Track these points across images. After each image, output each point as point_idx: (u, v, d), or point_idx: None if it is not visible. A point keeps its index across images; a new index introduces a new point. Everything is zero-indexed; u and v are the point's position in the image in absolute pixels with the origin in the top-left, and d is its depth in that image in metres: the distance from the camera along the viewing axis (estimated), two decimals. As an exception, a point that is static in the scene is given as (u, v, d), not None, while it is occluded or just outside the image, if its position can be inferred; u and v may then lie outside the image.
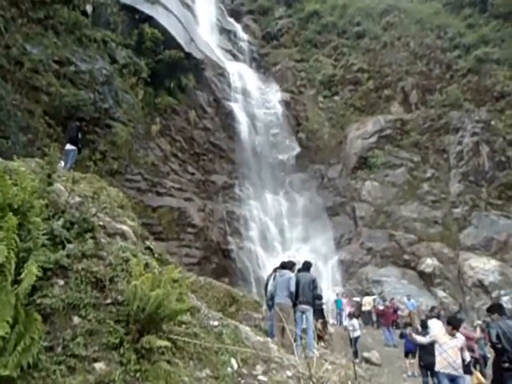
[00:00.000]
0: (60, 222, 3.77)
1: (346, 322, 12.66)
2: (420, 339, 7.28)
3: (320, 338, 11.12)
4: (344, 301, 19.04)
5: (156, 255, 6.18)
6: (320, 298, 13.23)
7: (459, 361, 6.08)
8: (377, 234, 24.58)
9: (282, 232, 25.85)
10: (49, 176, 4.06)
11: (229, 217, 24.22)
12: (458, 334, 6.52)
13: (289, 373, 4.22)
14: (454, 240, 23.92)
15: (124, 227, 4.90)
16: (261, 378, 3.79)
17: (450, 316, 6.53)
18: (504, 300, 18.43)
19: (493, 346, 6.11)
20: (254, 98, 29.80)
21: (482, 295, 20.43)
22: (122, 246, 4.09)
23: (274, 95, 31.12)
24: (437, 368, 6.25)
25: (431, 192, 26.21)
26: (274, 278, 8.55)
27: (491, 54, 32.07)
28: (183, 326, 3.70)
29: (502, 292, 19.65)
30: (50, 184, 4.05)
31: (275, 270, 9.03)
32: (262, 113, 29.42)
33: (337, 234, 25.78)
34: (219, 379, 3.41)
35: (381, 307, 17.60)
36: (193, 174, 25.17)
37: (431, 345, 10.60)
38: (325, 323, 11.93)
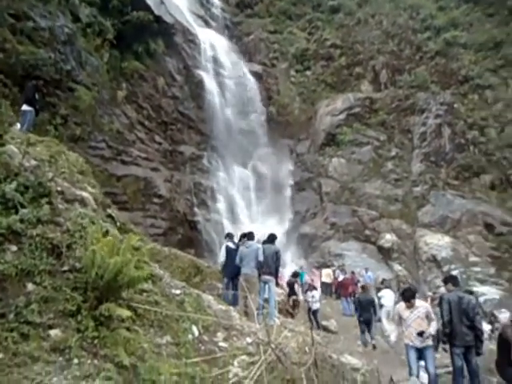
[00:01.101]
0: (13, 186, 3.57)
1: (309, 294, 13.10)
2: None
3: (290, 315, 11.62)
4: (316, 272, 19.52)
5: (118, 224, 6.06)
6: (296, 275, 13.65)
7: (426, 331, 6.06)
8: (341, 210, 25.28)
9: (249, 205, 26.03)
10: (0, 136, 3.81)
11: (196, 188, 24.03)
12: (421, 303, 6.64)
13: (249, 339, 4.35)
14: (413, 217, 25.03)
15: (84, 194, 4.73)
16: (221, 344, 3.88)
17: (404, 289, 6.77)
18: (453, 274, 19.69)
19: (442, 319, 6.52)
20: (226, 68, 29.05)
21: (434, 269, 21.72)
22: (80, 213, 3.96)
23: (246, 66, 30.48)
24: (405, 341, 6.35)
25: (394, 171, 27.09)
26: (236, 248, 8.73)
27: (459, 38, 32.75)
28: (144, 294, 3.69)
29: (453, 266, 20.96)
30: (2, 145, 3.80)
31: (230, 237, 9.29)
32: (233, 84, 28.82)
33: (302, 209, 26.30)
34: (180, 346, 3.46)
35: (340, 279, 18.38)
36: (160, 143, 24.56)
37: (368, 303, 11.51)
38: (297, 301, 12.30)
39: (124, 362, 2.83)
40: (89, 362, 2.85)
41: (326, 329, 12.84)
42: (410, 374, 5.99)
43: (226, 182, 25.74)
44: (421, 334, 5.96)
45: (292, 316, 11.43)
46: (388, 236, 23.31)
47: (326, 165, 27.73)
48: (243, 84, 29.38)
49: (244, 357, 3.73)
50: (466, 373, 6.18)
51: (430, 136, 27.77)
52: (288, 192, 26.91)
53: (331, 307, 14.38)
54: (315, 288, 14.59)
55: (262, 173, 27.27)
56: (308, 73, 32.82)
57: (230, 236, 9.60)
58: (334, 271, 19.89)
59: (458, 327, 6.06)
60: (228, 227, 23.69)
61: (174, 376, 2.74)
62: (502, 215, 24.27)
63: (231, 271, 8.76)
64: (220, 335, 4.02)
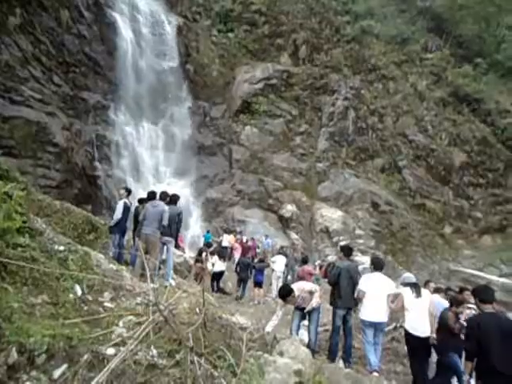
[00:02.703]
0: None
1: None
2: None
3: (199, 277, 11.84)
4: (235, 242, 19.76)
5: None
6: (209, 245, 13.95)
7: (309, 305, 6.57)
8: (248, 178, 25.87)
9: (156, 164, 25.05)
10: None
11: (99, 141, 22.26)
12: (308, 284, 7.07)
13: (138, 299, 4.26)
14: (313, 191, 26.81)
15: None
16: (107, 304, 3.72)
17: (283, 286, 7.03)
18: (341, 244, 21.86)
19: (330, 282, 7.18)
20: (143, 15, 26.68)
21: (326, 239, 23.81)
22: None
23: (166, 16, 28.38)
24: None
25: (302, 145, 28.44)
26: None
27: (373, 28, 34.77)
28: (19, 248, 3.31)
29: (341, 238, 23.19)
30: None
31: (143, 202, 8.83)
32: (150, 33, 26.70)
33: (211, 173, 26.25)
34: (58, 305, 3.22)
35: (239, 243, 19.10)
36: (59, 85, 21.92)
37: (246, 265, 13.03)
38: (202, 268, 12.43)
39: (-14, 322, 2.54)
40: None
41: (222, 290, 13.31)
42: (291, 333, 6.54)
43: (133, 137, 24.26)
44: (302, 309, 6.59)
45: (201, 279, 11.83)
46: (289, 206, 24.70)
47: (239, 132, 27.85)
48: (161, 35, 27.39)
49: (131, 317, 3.63)
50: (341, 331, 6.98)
51: (336, 117, 29.56)
52: (198, 155, 26.51)
53: (228, 271, 14.90)
54: (216, 253, 14.93)
55: (173, 133, 26.30)
56: (230, 35, 31.91)
57: (129, 192, 9.05)
58: (234, 236, 20.59)
59: (344, 291, 6.67)
60: (132, 186, 22.62)
61: (46, 338, 2.54)
62: (387, 196, 27.39)
63: (124, 229, 8.56)
64: (107, 295, 3.85)
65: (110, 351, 2.87)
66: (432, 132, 31.32)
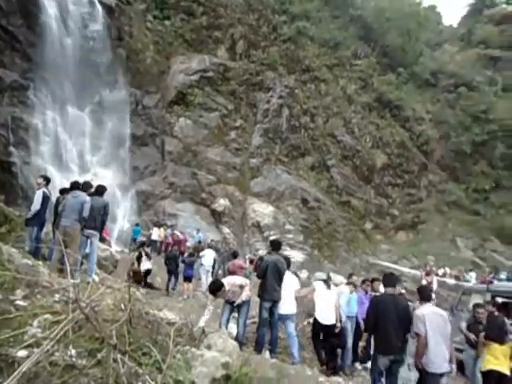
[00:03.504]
0: None
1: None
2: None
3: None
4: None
5: None
6: (143, 244, 13.52)
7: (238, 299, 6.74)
8: (181, 171, 25.37)
9: (81, 153, 23.42)
10: None
11: (15, 124, 20.23)
12: (237, 278, 7.25)
13: (57, 297, 3.98)
14: (246, 186, 27.13)
15: None
16: (19, 302, 3.43)
17: (213, 280, 7.22)
18: (271, 238, 22.46)
19: (258, 276, 7.34)
20: (71, -10, 24.68)
21: (257, 234, 24.29)
22: None
23: (97, -5, 26.51)
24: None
25: (236, 140, 28.59)
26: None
27: (308, 30, 35.98)
28: None
29: (272, 232, 23.82)
30: None
31: (64, 192, 8.21)
32: (79, 12, 24.79)
33: (142, 165, 25.25)
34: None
35: (170, 238, 18.74)
36: (-33, 59, 19.50)
37: (172, 258, 13.14)
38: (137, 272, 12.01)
39: None
40: None
41: (150, 286, 12.94)
42: (220, 326, 6.59)
43: (55, 122, 22.39)
44: (232, 303, 6.70)
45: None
46: (222, 201, 24.72)
47: (173, 123, 27.15)
48: (91, 14, 25.57)
49: (47, 316, 3.39)
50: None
51: (271, 114, 30.17)
52: (128, 145, 25.30)
53: (158, 265, 14.52)
54: (146, 245, 14.62)
55: (102, 120, 24.77)
56: (167, 23, 30.85)
57: (48, 181, 8.33)
58: (164, 230, 20.14)
59: (270, 284, 6.82)
60: (53, 175, 20.93)
61: None
62: (316, 193, 28.69)
63: (43, 221, 7.92)
64: (19, 293, 3.54)
65: (22, 353, 2.66)
66: (358, 134, 33.40)
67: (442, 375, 5.05)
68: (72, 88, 23.68)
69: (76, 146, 23.16)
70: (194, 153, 26.70)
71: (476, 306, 7.00)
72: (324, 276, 7.80)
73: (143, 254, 12.58)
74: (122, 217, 22.73)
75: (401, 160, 34.26)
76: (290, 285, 7.05)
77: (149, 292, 11.30)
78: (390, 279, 5.66)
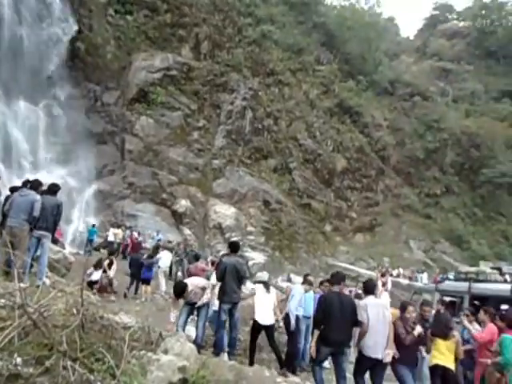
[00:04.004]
0: None
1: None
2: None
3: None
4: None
5: None
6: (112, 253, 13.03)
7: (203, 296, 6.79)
8: (141, 170, 24.76)
9: (34, 150, 22.26)
10: None
11: (-41, 116, 18.91)
12: (198, 279, 7.29)
13: (1, 302, 3.76)
14: (208, 187, 26.94)
15: None
16: (-41, 308, 3.20)
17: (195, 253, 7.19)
18: (236, 240, 22.46)
19: (217, 278, 7.29)
20: (25, -23, 23.40)
21: (218, 236, 24.17)
22: None
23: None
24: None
25: (199, 141, 28.31)
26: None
27: (273, 34, 36.37)
28: None
29: (233, 234, 23.79)
30: None
31: (14, 191, 7.73)
32: (34, 1, 23.55)
33: (100, 163, 24.39)
34: None
35: (129, 239, 18.22)
36: None
37: (135, 261, 12.97)
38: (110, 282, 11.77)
39: None
40: None
41: (105, 289, 12.49)
42: (177, 329, 6.50)
43: (5, 116, 21.14)
44: (192, 304, 6.66)
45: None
46: (183, 202, 24.39)
47: (134, 122, 26.44)
48: (47, 4, 24.40)
49: (-9, 322, 3.19)
50: (227, 325, 7.20)
51: (235, 115, 30.18)
52: (85, 142, 24.31)
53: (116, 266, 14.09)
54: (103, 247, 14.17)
55: (57, 115, 23.68)
56: (129, 18, 29.99)
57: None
58: (122, 230, 19.58)
59: (230, 286, 6.80)
60: (2, 172, 19.70)
61: None
62: (278, 195, 29.02)
63: None
64: (-41, 298, 3.30)
65: (-41, 364, 2.48)
66: (320, 138, 34.16)
67: (378, 362, 5.28)
68: (25, 81, 22.46)
69: (28, 143, 21.98)
70: (156, 152, 26.15)
71: (422, 304, 7.39)
72: (265, 277, 7.80)
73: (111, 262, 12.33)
74: (78, 217, 21.85)
75: (359, 164, 35.41)
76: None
77: (105, 296, 10.94)
78: (337, 277, 6.10)
